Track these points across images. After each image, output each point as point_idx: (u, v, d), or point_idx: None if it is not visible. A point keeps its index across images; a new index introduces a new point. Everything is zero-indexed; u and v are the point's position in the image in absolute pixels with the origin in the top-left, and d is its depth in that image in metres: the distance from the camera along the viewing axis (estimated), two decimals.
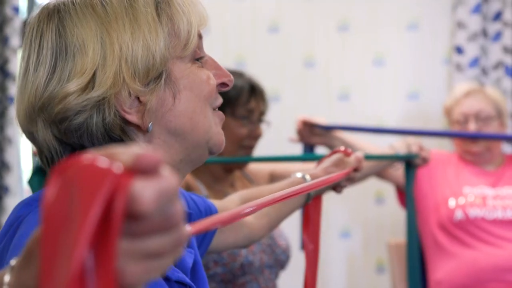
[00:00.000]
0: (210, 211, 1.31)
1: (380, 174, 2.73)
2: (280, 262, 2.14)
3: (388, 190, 3.28)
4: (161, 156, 0.51)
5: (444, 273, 2.67)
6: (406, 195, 2.24)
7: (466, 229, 2.67)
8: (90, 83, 0.96)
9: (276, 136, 3.23)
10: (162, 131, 1.02)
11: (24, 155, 3.21)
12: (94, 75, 0.96)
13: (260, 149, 2.29)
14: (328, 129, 2.47)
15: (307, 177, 1.44)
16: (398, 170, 2.73)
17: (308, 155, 2.39)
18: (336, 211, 3.25)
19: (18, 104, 1.01)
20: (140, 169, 0.49)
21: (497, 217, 2.68)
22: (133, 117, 0.99)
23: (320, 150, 2.62)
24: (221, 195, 2.16)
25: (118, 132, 0.99)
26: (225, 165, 2.16)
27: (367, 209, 3.37)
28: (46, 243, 0.51)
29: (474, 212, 2.68)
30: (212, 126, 1.05)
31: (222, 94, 2.20)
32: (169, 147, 1.03)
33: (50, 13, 1.00)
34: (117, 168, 0.49)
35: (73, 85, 0.96)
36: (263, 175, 2.27)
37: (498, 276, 2.61)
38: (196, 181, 2.13)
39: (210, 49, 3.81)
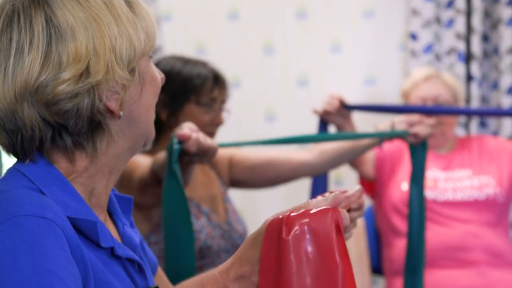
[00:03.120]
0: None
1: (353, 162, 2.79)
2: (236, 246, 2.21)
3: (347, 173, 3.37)
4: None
5: (397, 252, 2.75)
6: (412, 175, 2.16)
7: None
8: (85, 71, 1.04)
9: (237, 121, 3.29)
10: (123, 119, 1.11)
11: None
12: (88, 64, 1.04)
13: (220, 135, 2.36)
14: (351, 108, 2.46)
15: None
16: (368, 160, 2.81)
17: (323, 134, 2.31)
18: (296, 191, 3.33)
19: (2, 84, 1.05)
20: (336, 204, 0.96)
21: (448, 199, 2.77)
22: (111, 104, 1.08)
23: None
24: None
25: (100, 117, 1.08)
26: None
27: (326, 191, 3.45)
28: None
29: (426, 194, 2.76)
30: (153, 121, 1.16)
31: (187, 82, 2.26)
32: (123, 134, 1.11)
33: (35, 0, 1.06)
34: (330, 208, 0.93)
35: (69, 73, 1.04)
36: (222, 160, 2.32)
37: (448, 255, 2.69)
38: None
39: (171, 37, 3.84)
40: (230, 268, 1.15)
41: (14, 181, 1.06)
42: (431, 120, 2.18)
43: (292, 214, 0.88)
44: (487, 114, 2.88)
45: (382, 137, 2.17)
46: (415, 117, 2.17)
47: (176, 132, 1.74)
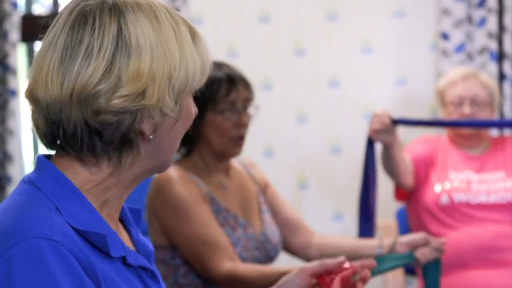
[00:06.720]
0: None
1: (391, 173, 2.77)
2: (269, 257, 2.21)
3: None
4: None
5: None
6: None
7: (451, 213, 2.75)
8: (141, 93, 1.08)
9: (267, 123, 3.31)
10: (152, 144, 1.13)
11: (25, 146, 3.31)
12: (146, 86, 1.07)
13: (251, 137, 2.35)
14: (399, 123, 2.49)
15: None
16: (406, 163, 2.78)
17: None
18: (327, 195, 3.35)
19: (57, 76, 1.07)
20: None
21: (481, 201, 2.77)
22: (145, 127, 1.10)
23: None
24: (218, 185, 2.20)
25: (132, 135, 1.10)
26: (217, 154, 2.18)
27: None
28: None
29: (459, 197, 2.76)
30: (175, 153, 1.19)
31: (202, 89, 2.26)
32: (146, 157, 1.13)
33: (111, 8, 1.09)
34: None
35: (127, 90, 1.07)
36: (261, 177, 2.32)
37: (479, 255, 2.69)
38: (191, 175, 2.16)
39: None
40: None
41: (27, 196, 1.09)
42: (439, 241, 1.92)
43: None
44: None
45: (387, 269, 1.91)
46: (419, 239, 1.92)
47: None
